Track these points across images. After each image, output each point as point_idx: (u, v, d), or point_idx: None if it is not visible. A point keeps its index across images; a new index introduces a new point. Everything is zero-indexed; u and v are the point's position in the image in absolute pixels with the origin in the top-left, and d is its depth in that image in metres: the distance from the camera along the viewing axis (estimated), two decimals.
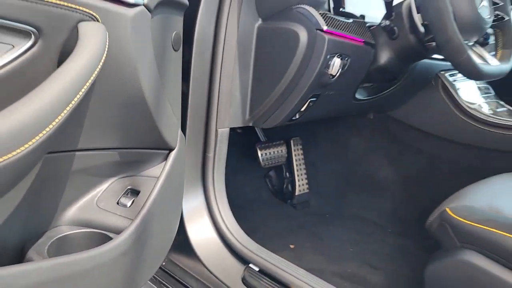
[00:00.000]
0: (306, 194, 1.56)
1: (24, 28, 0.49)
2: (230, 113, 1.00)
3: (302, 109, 1.02)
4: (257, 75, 1.00)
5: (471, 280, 0.77)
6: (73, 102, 0.48)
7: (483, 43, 1.05)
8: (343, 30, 0.96)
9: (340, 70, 0.96)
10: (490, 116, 1.24)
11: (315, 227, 1.38)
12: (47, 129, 0.44)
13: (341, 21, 0.97)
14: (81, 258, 0.54)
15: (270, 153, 1.46)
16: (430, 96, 1.30)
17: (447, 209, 0.85)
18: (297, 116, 1.05)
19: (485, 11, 0.98)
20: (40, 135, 0.44)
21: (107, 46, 0.53)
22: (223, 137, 1.01)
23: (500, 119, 1.24)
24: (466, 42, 0.94)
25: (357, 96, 1.17)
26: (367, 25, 1.08)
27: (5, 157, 0.40)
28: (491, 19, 1.01)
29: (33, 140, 0.43)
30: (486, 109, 1.29)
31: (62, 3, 0.51)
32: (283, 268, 0.94)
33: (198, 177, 1.02)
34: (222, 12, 0.92)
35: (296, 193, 1.54)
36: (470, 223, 0.79)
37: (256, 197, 1.53)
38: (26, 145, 0.42)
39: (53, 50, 0.53)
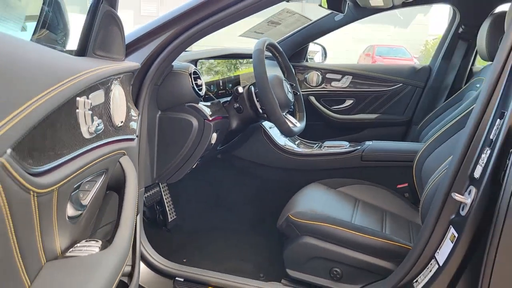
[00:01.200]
0: (176, 219, 2.03)
1: (102, 171, 0.88)
2: (143, 176, 1.42)
3: (194, 166, 1.52)
4: (160, 149, 1.45)
5: (310, 252, 1.43)
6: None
7: (290, 112, 1.75)
8: (216, 114, 1.50)
9: (216, 139, 1.51)
10: (294, 150, 1.97)
11: (195, 242, 1.88)
12: None
13: (212, 106, 1.51)
14: None
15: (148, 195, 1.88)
16: (257, 139, 1.96)
17: (290, 215, 1.49)
18: (189, 171, 1.54)
19: (290, 96, 1.68)
20: None
21: None
22: (141, 194, 1.42)
23: (298, 150, 1.99)
24: (283, 113, 1.61)
25: (218, 148, 1.74)
26: (221, 102, 1.65)
27: None
28: (293, 98, 1.72)
29: None
30: (290, 144, 2.03)
31: (118, 152, 0.91)
32: (201, 273, 1.43)
33: None
34: (139, 107, 1.34)
35: (169, 220, 2.01)
36: (304, 221, 1.45)
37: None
38: None
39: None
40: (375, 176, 1.89)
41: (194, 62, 1.62)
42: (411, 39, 16.76)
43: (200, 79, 1.47)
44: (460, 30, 2.42)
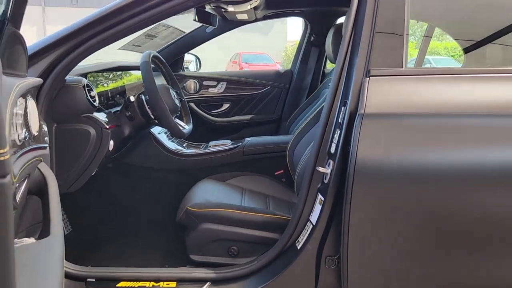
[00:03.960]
0: (72, 232, 2.06)
1: (26, 176, 0.97)
2: None
3: (93, 173, 1.61)
4: (59, 160, 1.51)
5: (209, 236, 1.63)
6: None
7: (177, 116, 1.94)
8: (111, 122, 1.62)
9: (112, 147, 1.62)
10: (183, 152, 2.16)
11: (96, 259, 1.94)
12: None
13: (110, 114, 1.63)
14: None
15: None
16: (148, 145, 2.10)
17: (188, 207, 1.68)
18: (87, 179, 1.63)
19: (177, 101, 1.87)
20: None
21: None
22: None
23: (186, 151, 2.19)
24: (174, 117, 1.79)
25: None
26: (112, 112, 1.77)
27: None
28: (179, 103, 1.91)
29: None
30: (178, 147, 2.21)
31: (37, 158, 1.01)
32: (111, 271, 1.53)
33: None
34: None
35: (64, 234, 2.03)
36: (201, 210, 1.65)
37: None
38: None
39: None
40: (256, 167, 2.17)
41: (84, 75, 1.71)
42: (272, 45, 18.03)
43: (93, 90, 1.57)
44: (312, 38, 2.86)
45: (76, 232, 2.04)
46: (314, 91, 2.68)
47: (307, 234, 1.42)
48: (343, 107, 1.39)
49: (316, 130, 1.65)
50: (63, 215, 2.02)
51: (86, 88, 1.51)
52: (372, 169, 1.25)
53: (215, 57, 15.79)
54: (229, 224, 1.63)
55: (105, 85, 1.98)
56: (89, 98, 1.51)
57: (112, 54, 2.95)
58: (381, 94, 1.31)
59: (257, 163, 2.19)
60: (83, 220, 2.09)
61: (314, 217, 1.41)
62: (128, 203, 2.17)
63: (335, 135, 1.39)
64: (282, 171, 2.15)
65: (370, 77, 1.32)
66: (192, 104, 2.88)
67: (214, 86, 2.94)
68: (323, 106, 1.92)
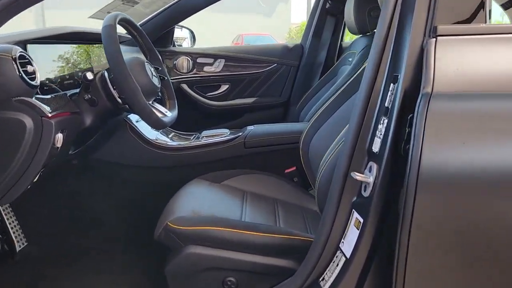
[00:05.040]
0: (27, 246, 1.62)
1: None
2: None
3: (35, 180, 1.16)
4: None
5: (197, 264, 1.19)
6: None
7: (157, 99, 1.48)
8: (61, 109, 1.16)
9: (62, 141, 1.17)
10: (168, 144, 1.70)
11: (49, 271, 1.51)
12: None
13: (53, 99, 1.17)
14: None
15: None
16: (122, 136, 1.65)
17: (168, 223, 1.24)
18: (29, 187, 1.18)
19: (156, 80, 1.40)
20: None
21: None
22: None
23: (173, 143, 1.73)
24: (149, 102, 1.33)
25: (70, 152, 1.39)
26: (68, 95, 1.30)
27: None
28: (159, 83, 1.44)
29: None
30: (163, 138, 1.76)
31: None
32: None
33: None
34: None
35: (17, 249, 1.59)
36: (185, 228, 1.21)
37: None
38: None
39: None
40: (261, 163, 1.72)
41: (22, 45, 1.24)
42: (275, 27, 17.41)
43: (31, 65, 1.11)
44: (328, 5, 2.38)
45: (32, 246, 1.61)
46: (330, 69, 2.23)
47: (337, 270, 0.98)
48: (391, 85, 0.93)
49: (342, 117, 1.19)
50: (15, 226, 1.58)
51: (18, 61, 1.05)
52: (446, 176, 0.80)
53: (216, 40, 15.28)
54: (225, 247, 1.18)
55: (61, 60, 1.50)
56: (24, 75, 1.05)
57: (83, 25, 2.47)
58: (455, 62, 0.85)
59: (262, 158, 1.73)
60: (42, 230, 1.65)
61: (348, 246, 0.96)
62: (97, 211, 1.72)
63: (379, 126, 0.94)
64: (294, 168, 1.70)
65: (437, 38, 0.86)
66: (184, 86, 2.42)
67: (211, 64, 2.48)
68: (344, 89, 1.48)
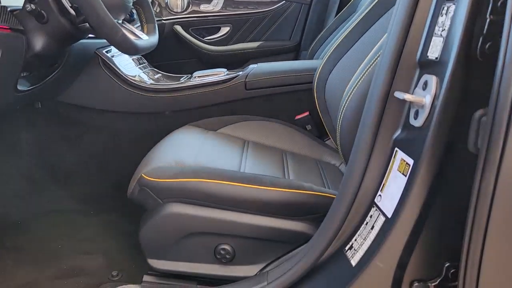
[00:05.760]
0: None
1: None
2: None
3: None
4: None
5: (180, 227, 0.90)
6: None
7: (130, 20, 1.15)
8: None
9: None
10: (152, 84, 1.39)
11: (11, 240, 1.23)
12: None
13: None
14: None
15: None
16: (93, 74, 1.33)
17: (143, 175, 0.94)
18: None
19: None
20: None
21: None
22: None
23: (159, 84, 1.42)
24: (116, 20, 1.01)
25: (19, 87, 1.08)
26: (8, 9, 0.98)
27: None
28: None
29: None
30: (146, 78, 1.44)
31: None
32: None
33: None
34: None
35: None
36: (165, 180, 0.91)
37: None
38: None
39: None
40: (266, 108, 1.41)
41: None
42: None
43: None
44: None
45: None
46: (348, 3, 1.87)
47: (371, 236, 0.68)
48: None
49: (368, 43, 0.90)
50: None
51: None
52: None
53: None
54: (217, 205, 0.89)
55: None
56: None
57: None
58: None
59: (267, 102, 1.42)
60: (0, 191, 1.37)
61: (388, 201, 0.66)
62: (64, 166, 1.43)
63: (441, 19, 0.62)
64: (306, 113, 1.38)
65: None
66: (178, 28, 2.09)
67: (208, 1, 2.12)
68: (372, 8, 1.15)
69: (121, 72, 1.35)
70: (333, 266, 0.72)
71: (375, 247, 0.66)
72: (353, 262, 0.68)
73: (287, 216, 0.89)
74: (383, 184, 0.68)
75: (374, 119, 0.68)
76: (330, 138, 1.31)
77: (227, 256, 0.91)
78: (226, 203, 0.88)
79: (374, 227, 0.67)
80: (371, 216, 0.69)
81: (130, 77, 1.36)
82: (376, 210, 0.68)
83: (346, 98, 0.92)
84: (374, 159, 0.69)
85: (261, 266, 0.91)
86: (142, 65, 1.53)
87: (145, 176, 0.93)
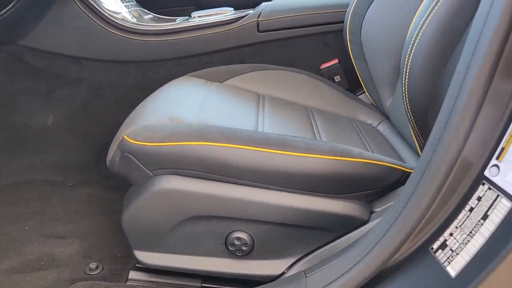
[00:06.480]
0: None
1: None
2: None
3: None
4: None
5: (176, 207, 0.64)
6: None
7: None
8: None
9: None
10: (140, 25, 1.10)
11: None
12: None
13: None
14: None
15: None
16: (66, 11, 1.05)
17: (125, 137, 0.68)
18: None
19: None
20: None
21: None
22: None
23: (149, 25, 1.13)
24: None
25: None
26: None
27: None
28: None
29: None
30: (130, 17, 1.15)
31: None
32: None
33: None
34: None
35: None
36: (156, 144, 0.65)
37: None
38: None
39: None
40: (284, 55, 1.13)
41: None
42: None
43: None
44: None
45: None
46: None
47: (487, 229, 0.42)
48: None
49: None
50: None
51: None
52: None
53: None
54: (228, 178, 0.63)
55: None
56: None
57: None
58: None
59: (284, 47, 1.14)
60: None
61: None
62: (35, 127, 1.16)
63: None
64: (335, 61, 1.11)
65: None
66: None
67: None
68: None
69: (101, 8, 1.06)
70: (414, 275, 0.47)
71: (493, 250, 0.40)
72: (452, 271, 0.43)
73: (328, 194, 0.63)
74: (503, 149, 0.42)
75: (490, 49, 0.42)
76: (364, 92, 1.05)
77: (244, 248, 0.66)
78: (241, 176, 0.62)
79: (490, 216, 0.42)
80: (479, 199, 0.43)
81: (112, 15, 1.07)
82: (490, 189, 0.42)
83: (414, 35, 0.64)
84: (485, 111, 0.43)
85: (289, 261, 0.66)
86: (128, 3, 1.24)
87: (128, 138, 0.67)
